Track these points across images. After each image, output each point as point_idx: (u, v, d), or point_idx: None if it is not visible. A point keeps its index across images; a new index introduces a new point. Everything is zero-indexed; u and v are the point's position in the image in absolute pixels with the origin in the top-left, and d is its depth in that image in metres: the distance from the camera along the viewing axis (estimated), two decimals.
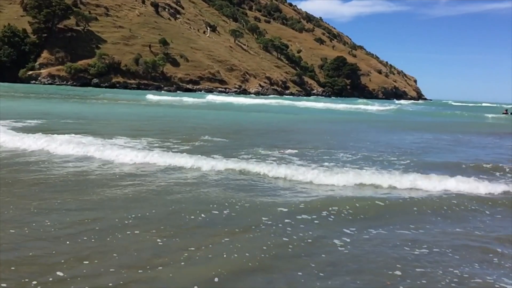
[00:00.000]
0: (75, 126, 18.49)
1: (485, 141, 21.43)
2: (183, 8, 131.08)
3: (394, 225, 7.08)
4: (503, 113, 56.93)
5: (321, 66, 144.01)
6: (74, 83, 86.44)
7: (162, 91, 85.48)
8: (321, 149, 14.76)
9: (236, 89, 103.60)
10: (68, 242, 5.65)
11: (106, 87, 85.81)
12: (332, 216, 7.39)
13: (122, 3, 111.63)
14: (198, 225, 6.60)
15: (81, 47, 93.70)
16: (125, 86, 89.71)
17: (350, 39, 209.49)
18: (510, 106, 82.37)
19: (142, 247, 5.60)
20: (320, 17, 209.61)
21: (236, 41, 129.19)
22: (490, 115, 51.59)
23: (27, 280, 4.65)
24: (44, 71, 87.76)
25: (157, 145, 13.90)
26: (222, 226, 6.58)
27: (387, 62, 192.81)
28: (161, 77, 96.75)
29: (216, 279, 4.89)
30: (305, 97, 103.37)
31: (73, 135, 14.57)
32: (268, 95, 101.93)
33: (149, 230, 6.21)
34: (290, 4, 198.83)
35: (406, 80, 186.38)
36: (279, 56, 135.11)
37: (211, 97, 64.06)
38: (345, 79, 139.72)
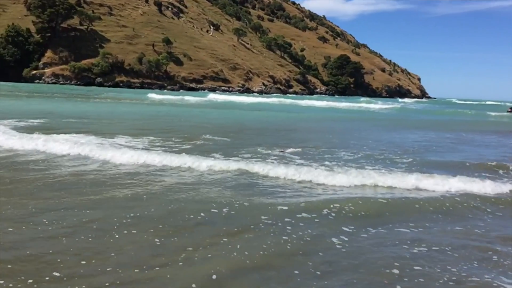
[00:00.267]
0: (77, 125, 18.54)
1: (488, 139, 21.35)
2: (186, 7, 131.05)
3: (394, 224, 7.05)
4: (508, 111, 56.63)
5: (324, 65, 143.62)
6: (78, 83, 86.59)
7: (165, 90, 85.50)
8: (323, 148, 14.73)
9: (239, 88, 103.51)
10: (65, 242, 5.66)
11: (109, 86, 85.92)
12: (333, 215, 7.37)
13: (125, 3, 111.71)
14: (197, 224, 6.59)
15: (85, 47, 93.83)
16: (129, 85, 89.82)
17: (354, 38, 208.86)
18: None
19: (140, 247, 5.60)
20: (324, 16, 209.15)
21: (239, 40, 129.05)
22: (493, 113, 51.31)
23: (23, 278, 4.67)
24: (48, 71, 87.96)
25: (158, 144, 13.92)
26: (221, 225, 6.57)
27: (390, 60, 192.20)
28: (165, 76, 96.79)
29: (214, 277, 4.88)
30: (307, 96, 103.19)
31: (74, 134, 14.62)
32: (272, 93, 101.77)
33: (147, 230, 6.20)
34: (293, 3, 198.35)
35: (410, 79, 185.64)
36: (282, 55, 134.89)
37: (213, 96, 64.03)
38: (349, 78, 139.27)
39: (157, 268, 5.02)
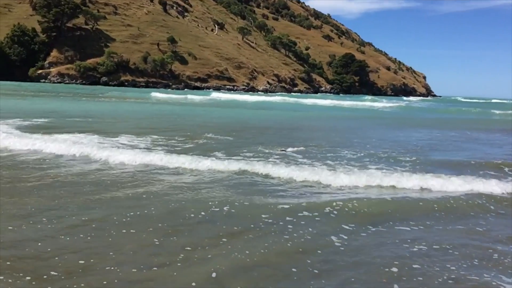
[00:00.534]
0: (81, 124, 18.62)
1: (493, 137, 21.23)
2: (191, 6, 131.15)
3: (395, 223, 7.02)
4: None
5: (329, 63, 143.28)
6: (83, 82, 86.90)
7: (169, 89, 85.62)
8: (326, 146, 14.68)
9: (244, 87, 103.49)
10: (64, 241, 5.67)
11: (114, 85, 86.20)
12: (335, 213, 7.34)
13: (130, 2, 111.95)
14: (197, 223, 6.57)
15: (90, 46, 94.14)
16: (134, 85, 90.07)
17: (359, 36, 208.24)
18: None
19: (139, 246, 5.59)
20: (328, 14, 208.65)
21: (244, 39, 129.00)
22: (498, 111, 50.98)
23: (21, 275, 4.70)
24: (53, 70, 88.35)
25: (161, 142, 13.94)
26: (221, 223, 6.56)
27: (396, 58, 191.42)
28: (170, 75, 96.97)
29: (213, 275, 4.88)
30: (311, 94, 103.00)
31: (77, 133, 14.67)
32: (276, 92, 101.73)
33: (147, 229, 6.18)
34: (298, 1, 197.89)
35: (415, 77, 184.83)
36: (287, 54, 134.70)
37: (216, 95, 64.00)
38: (354, 76, 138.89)
39: (157, 267, 5.01)
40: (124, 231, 6.10)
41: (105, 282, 4.63)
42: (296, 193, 8.61)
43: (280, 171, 9.93)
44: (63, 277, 4.69)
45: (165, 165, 10.31)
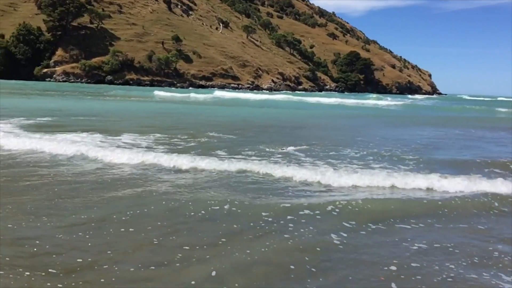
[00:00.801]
0: (84, 122, 18.68)
1: (498, 136, 21.09)
2: (195, 4, 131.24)
3: (396, 222, 6.97)
4: None
5: (334, 61, 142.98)
6: (89, 81, 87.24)
7: (173, 88, 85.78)
8: (328, 145, 14.60)
9: (248, 85, 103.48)
10: (62, 239, 5.68)
11: (119, 84, 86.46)
12: (337, 211, 7.31)
13: (135, 0, 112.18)
14: (197, 221, 6.56)
15: (95, 45, 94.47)
16: (139, 83, 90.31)
17: (364, 34, 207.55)
18: None
19: (138, 245, 5.58)
20: (333, 12, 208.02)
21: (249, 37, 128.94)
22: (503, 109, 50.66)
23: (20, 270, 4.75)
24: (58, 69, 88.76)
25: (164, 141, 13.95)
26: (221, 222, 6.55)
27: (401, 56, 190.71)
28: (174, 74, 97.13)
29: (213, 273, 4.87)
30: (315, 93, 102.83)
31: (79, 132, 14.72)
32: (281, 91, 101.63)
33: (146, 228, 6.18)
34: None
35: (420, 75, 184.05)
36: (291, 52, 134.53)
37: (219, 93, 63.91)
38: (359, 74, 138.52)
39: (157, 266, 5.01)
40: (123, 229, 6.09)
41: (102, 280, 4.65)
42: (297, 192, 8.55)
43: (282, 170, 9.86)
44: (61, 275, 4.71)
45: (165, 164, 10.24)
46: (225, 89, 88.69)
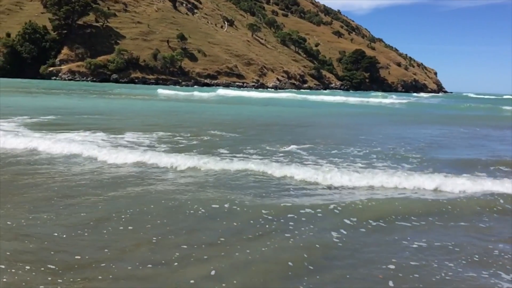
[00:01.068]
0: (88, 121, 18.72)
1: (504, 134, 20.99)
2: (200, 2, 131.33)
3: (397, 222, 6.95)
4: None
5: (339, 60, 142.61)
6: (94, 79, 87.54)
7: (177, 86, 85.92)
8: (331, 143, 14.54)
9: (253, 84, 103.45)
10: (61, 237, 5.70)
11: (125, 82, 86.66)
12: (339, 209, 7.29)
13: None
14: (197, 220, 6.55)
15: (100, 43, 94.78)
16: (144, 82, 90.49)
17: (369, 32, 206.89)
18: None
19: (137, 244, 5.58)
20: (338, 10, 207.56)
21: (254, 35, 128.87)
22: (509, 108, 50.33)
23: (21, 265, 4.81)
24: (64, 67, 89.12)
25: (166, 139, 13.97)
26: (221, 221, 6.55)
27: (406, 54, 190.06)
28: (179, 72, 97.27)
29: (212, 273, 4.87)
30: (320, 91, 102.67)
31: (82, 131, 14.75)
32: (286, 89, 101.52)
33: (144, 227, 6.18)
34: None
35: (426, 73, 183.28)
36: (296, 50, 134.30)
37: (223, 92, 63.79)
38: (364, 72, 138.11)
39: (156, 265, 5.00)
40: (122, 228, 6.10)
41: (100, 277, 4.67)
42: (299, 191, 8.51)
43: (283, 168, 9.80)
44: (60, 271, 4.74)
45: (165, 163, 10.16)
46: (230, 87, 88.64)
